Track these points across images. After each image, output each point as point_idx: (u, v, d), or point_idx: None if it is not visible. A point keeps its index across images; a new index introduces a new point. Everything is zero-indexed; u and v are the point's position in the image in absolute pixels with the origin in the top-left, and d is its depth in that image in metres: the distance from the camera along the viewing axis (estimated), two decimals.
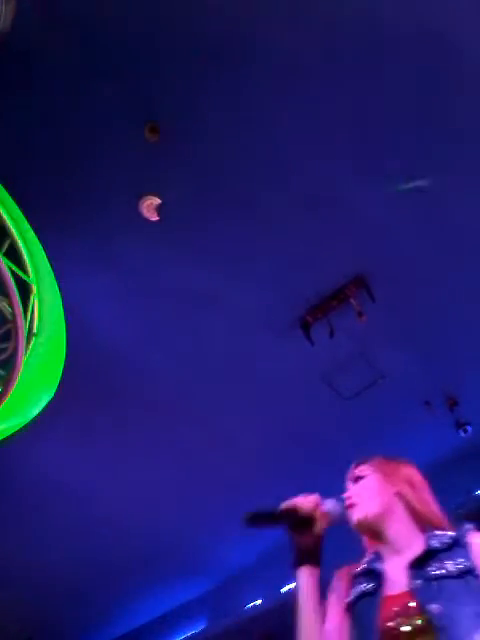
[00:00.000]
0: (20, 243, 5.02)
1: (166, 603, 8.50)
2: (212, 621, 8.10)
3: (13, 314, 4.90)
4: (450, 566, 1.29)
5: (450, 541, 1.36)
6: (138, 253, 4.95)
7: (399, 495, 1.49)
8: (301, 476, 6.50)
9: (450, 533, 1.39)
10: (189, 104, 4.13)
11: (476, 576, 1.27)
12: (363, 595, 1.37)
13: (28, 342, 5.23)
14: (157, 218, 4.64)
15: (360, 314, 5.18)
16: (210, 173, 4.48)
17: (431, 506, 1.50)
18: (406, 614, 1.25)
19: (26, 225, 4.89)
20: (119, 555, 7.33)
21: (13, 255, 4.98)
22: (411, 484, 1.52)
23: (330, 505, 1.48)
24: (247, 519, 1.40)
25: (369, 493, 1.49)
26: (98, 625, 8.77)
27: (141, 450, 6.32)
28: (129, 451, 6.33)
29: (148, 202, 4.57)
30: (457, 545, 1.35)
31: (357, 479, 1.55)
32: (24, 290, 5.04)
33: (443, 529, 1.42)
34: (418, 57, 3.88)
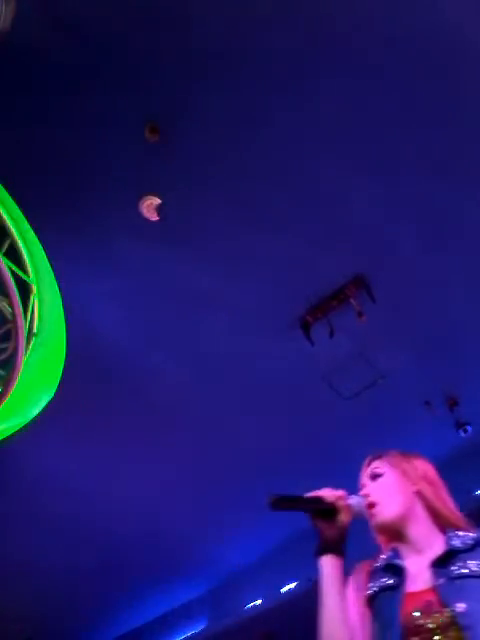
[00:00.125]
0: (20, 243, 5.02)
1: (166, 603, 8.51)
2: (212, 621, 8.10)
3: (13, 314, 4.90)
4: (473, 566, 1.31)
5: (472, 542, 1.38)
6: (138, 253, 4.95)
7: (419, 494, 1.50)
8: (301, 476, 6.50)
9: (472, 534, 1.41)
10: (189, 104, 4.13)
11: None
12: (384, 589, 1.39)
13: (28, 342, 5.23)
14: (157, 218, 4.64)
15: (360, 314, 5.18)
16: (210, 173, 4.48)
17: (449, 504, 1.51)
18: (430, 611, 1.27)
19: (26, 225, 4.89)
20: (119, 555, 7.34)
21: (13, 255, 4.99)
22: (430, 482, 1.53)
23: (355, 500, 1.49)
24: (272, 501, 1.39)
25: (389, 492, 1.50)
26: (98, 625, 8.77)
27: (141, 450, 6.32)
28: (129, 451, 6.33)
29: (148, 202, 4.57)
30: (479, 546, 1.37)
31: (375, 477, 1.55)
32: (24, 290, 5.05)
33: (461, 528, 1.44)
34: (419, 57, 3.88)
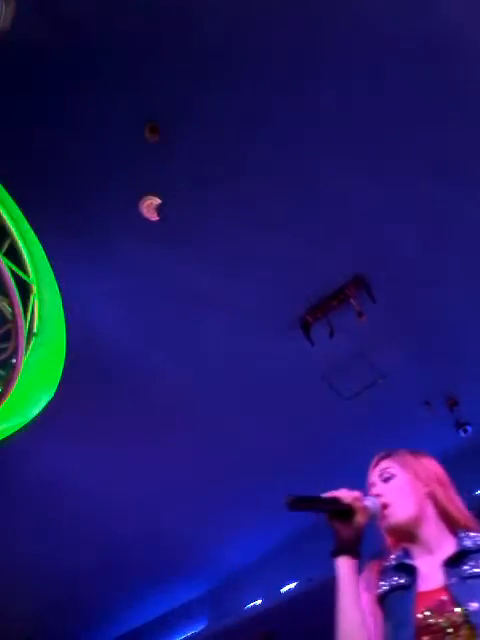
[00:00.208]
0: (20, 243, 5.03)
1: (166, 603, 8.51)
2: (212, 621, 8.10)
3: (13, 314, 4.91)
4: None
5: None
6: (138, 253, 4.95)
7: (430, 495, 1.51)
8: (301, 476, 6.50)
9: None
10: (189, 104, 4.13)
11: None
12: (395, 589, 1.40)
13: (28, 342, 5.23)
14: (157, 218, 4.64)
15: (360, 314, 5.18)
16: (210, 173, 4.48)
17: (459, 505, 1.52)
18: (442, 610, 1.29)
19: (26, 225, 4.90)
20: (119, 555, 7.33)
21: (13, 255, 4.99)
22: (440, 483, 1.54)
23: (370, 501, 1.49)
24: (289, 502, 1.39)
25: (402, 494, 1.50)
26: (98, 625, 8.77)
27: (141, 450, 6.32)
28: (129, 451, 6.33)
29: (148, 202, 4.58)
30: None
31: (387, 478, 1.55)
32: (24, 290, 5.05)
33: (471, 529, 1.45)
34: (420, 57, 3.88)
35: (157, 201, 4.58)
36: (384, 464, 1.58)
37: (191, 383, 5.89)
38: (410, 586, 1.38)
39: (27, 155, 4.39)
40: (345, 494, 1.45)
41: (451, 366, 5.94)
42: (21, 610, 7.81)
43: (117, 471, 6.49)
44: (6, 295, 4.88)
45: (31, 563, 7.22)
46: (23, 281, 5.05)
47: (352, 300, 5.17)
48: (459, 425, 6.21)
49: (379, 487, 1.53)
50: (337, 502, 1.44)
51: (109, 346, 5.55)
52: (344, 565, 1.41)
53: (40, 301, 5.27)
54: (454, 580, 1.33)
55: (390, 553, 1.50)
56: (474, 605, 1.26)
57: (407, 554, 1.46)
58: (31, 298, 5.16)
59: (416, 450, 1.63)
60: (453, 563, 1.37)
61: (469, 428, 6.20)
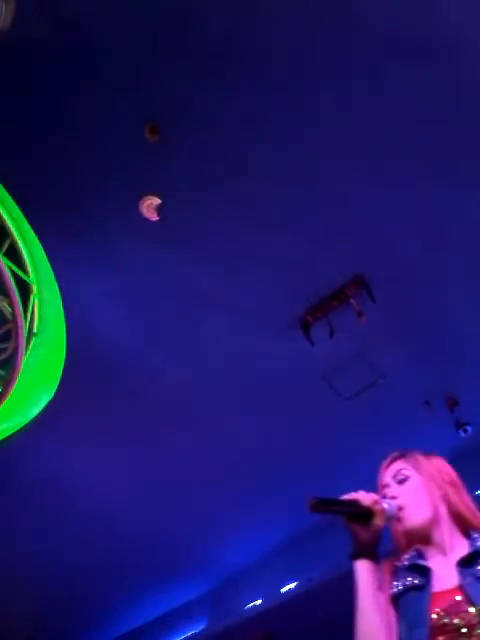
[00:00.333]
0: (20, 243, 5.02)
1: (166, 603, 8.51)
2: (212, 621, 8.10)
3: (13, 314, 4.91)
4: None
5: None
6: (138, 253, 4.95)
7: (444, 498, 1.52)
8: (301, 476, 6.50)
9: None
10: (189, 104, 4.13)
11: None
12: (409, 589, 1.41)
13: (28, 342, 5.23)
14: (157, 218, 4.64)
15: (360, 314, 5.18)
16: (210, 173, 4.48)
17: (471, 506, 1.54)
18: (457, 610, 1.31)
19: (26, 225, 4.90)
20: (119, 555, 7.34)
21: (13, 255, 4.99)
22: (453, 485, 1.56)
23: (387, 504, 1.49)
24: (312, 504, 1.39)
25: (418, 497, 1.51)
26: (98, 625, 8.77)
27: (141, 450, 6.32)
28: (129, 451, 6.33)
29: (148, 202, 4.57)
30: None
31: (401, 480, 1.55)
32: (24, 290, 5.05)
33: None
34: (420, 58, 3.88)
35: (157, 201, 4.58)
36: (397, 465, 1.58)
37: (191, 383, 5.89)
38: (424, 587, 1.39)
39: (27, 155, 4.39)
40: (364, 496, 1.46)
41: (451, 366, 5.94)
42: (21, 610, 7.82)
43: (117, 471, 6.49)
44: (6, 295, 4.88)
45: (31, 563, 7.22)
46: (23, 281, 5.05)
47: (352, 300, 5.17)
48: (459, 425, 6.21)
49: (394, 489, 1.54)
50: (357, 504, 1.45)
51: (109, 346, 5.55)
52: (363, 568, 1.41)
53: (40, 301, 5.27)
54: (468, 580, 1.35)
55: (401, 553, 1.51)
56: None
57: (420, 555, 1.48)
58: (31, 298, 5.16)
59: (427, 451, 1.64)
60: (467, 563, 1.38)
61: (469, 428, 6.20)
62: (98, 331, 5.46)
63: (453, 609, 1.31)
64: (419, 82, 4.00)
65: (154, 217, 4.63)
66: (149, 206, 4.59)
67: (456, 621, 1.29)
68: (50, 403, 5.70)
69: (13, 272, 4.89)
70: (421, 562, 1.45)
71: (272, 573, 7.62)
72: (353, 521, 1.45)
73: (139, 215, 4.61)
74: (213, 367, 5.79)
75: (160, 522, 7.04)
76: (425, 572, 1.42)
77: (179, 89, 4.06)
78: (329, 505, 1.45)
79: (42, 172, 4.50)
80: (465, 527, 1.49)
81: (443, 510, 1.50)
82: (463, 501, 1.53)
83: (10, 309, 4.96)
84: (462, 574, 1.37)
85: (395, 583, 1.44)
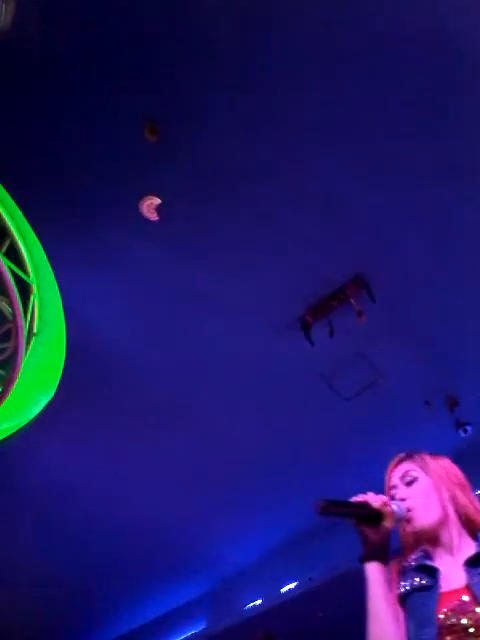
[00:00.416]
0: (20, 243, 5.02)
1: (166, 603, 8.50)
2: (212, 621, 8.10)
3: (13, 314, 4.90)
4: None
5: None
6: (138, 253, 4.95)
7: (452, 499, 1.53)
8: (301, 476, 6.51)
9: None
10: (189, 104, 4.13)
11: None
12: (417, 589, 1.42)
13: (28, 342, 5.23)
14: (157, 218, 4.63)
15: (360, 314, 5.18)
16: (210, 173, 4.48)
17: (478, 507, 1.55)
18: (465, 610, 1.32)
19: (26, 225, 4.89)
20: (120, 555, 7.34)
21: (13, 255, 4.98)
22: (461, 486, 1.56)
23: (396, 506, 1.49)
24: (322, 506, 1.39)
25: (427, 499, 1.52)
26: (99, 625, 8.77)
27: (141, 450, 6.32)
28: (129, 451, 6.33)
29: (148, 202, 4.57)
30: None
31: (410, 481, 1.56)
32: (24, 290, 5.04)
33: None
34: (420, 58, 3.88)
35: (157, 201, 4.58)
36: (405, 467, 1.58)
37: (191, 383, 5.89)
38: (432, 587, 1.40)
39: (27, 155, 4.39)
40: (373, 498, 1.46)
41: (451, 366, 5.94)
42: (22, 610, 7.82)
43: (117, 471, 6.49)
44: (6, 295, 4.88)
45: (31, 563, 7.22)
46: (23, 281, 5.04)
47: (352, 300, 5.17)
48: (459, 425, 6.21)
49: (402, 491, 1.54)
50: (367, 507, 1.44)
51: (109, 346, 5.55)
52: (375, 570, 1.42)
53: (40, 301, 5.27)
54: (476, 580, 1.36)
55: (408, 553, 1.51)
56: None
57: (427, 555, 1.48)
58: (31, 298, 5.16)
59: (434, 452, 1.64)
60: (474, 563, 1.40)
61: (469, 428, 6.20)
62: (98, 331, 5.45)
63: (460, 609, 1.32)
64: (419, 82, 4.00)
65: (154, 217, 4.63)
66: (149, 206, 4.59)
67: (464, 621, 1.30)
68: (50, 403, 5.70)
69: (13, 272, 4.89)
70: (428, 563, 1.45)
71: (272, 573, 7.61)
72: (363, 523, 1.45)
73: (139, 215, 4.61)
74: (213, 367, 5.79)
75: (160, 522, 7.04)
76: (433, 572, 1.43)
77: (179, 89, 4.06)
78: (339, 507, 1.44)
79: (42, 172, 4.50)
80: (472, 528, 1.49)
81: (451, 511, 1.51)
82: (471, 502, 1.54)
83: (10, 309, 4.96)
84: (469, 574, 1.38)
85: (402, 583, 1.45)
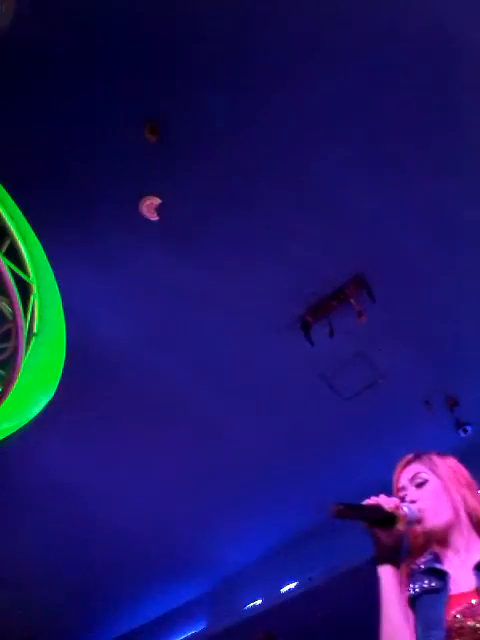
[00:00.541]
0: (20, 243, 5.02)
1: (166, 603, 8.50)
2: (212, 621, 8.10)
3: (13, 314, 4.91)
4: None
5: None
6: (138, 253, 4.95)
7: (463, 501, 1.52)
8: (301, 476, 6.51)
9: None
10: (189, 104, 4.13)
11: None
12: (426, 592, 1.42)
13: (28, 342, 5.23)
14: (157, 218, 4.63)
15: (360, 314, 5.18)
16: (210, 173, 4.48)
17: None
18: (473, 612, 1.32)
19: (26, 225, 4.89)
20: (119, 555, 7.33)
21: (13, 255, 4.99)
22: (469, 487, 1.56)
23: (408, 508, 1.49)
24: (336, 510, 1.39)
25: (438, 501, 1.51)
26: (99, 625, 8.77)
27: (141, 450, 6.32)
28: (129, 451, 6.33)
29: (148, 202, 4.57)
30: None
31: (420, 483, 1.55)
32: (24, 290, 5.05)
33: None
34: (421, 58, 3.88)
35: (157, 201, 4.58)
36: (414, 468, 1.58)
37: (191, 383, 5.89)
38: (442, 589, 1.40)
39: (27, 155, 4.39)
40: (386, 501, 1.46)
41: (451, 366, 5.94)
42: (22, 611, 7.82)
43: (117, 471, 6.49)
44: (6, 295, 4.88)
45: (31, 563, 7.21)
46: (23, 281, 5.05)
47: (352, 300, 5.17)
48: (459, 425, 6.20)
49: (412, 492, 1.54)
50: (380, 509, 1.44)
51: (109, 346, 5.55)
52: (388, 573, 1.42)
53: (40, 301, 5.27)
54: None
55: (417, 555, 1.51)
56: None
57: (437, 558, 1.48)
58: (31, 298, 5.16)
59: (441, 452, 1.64)
60: None
61: (469, 428, 6.20)
62: (98, 331, 5.45)
63: (469, 612, 1.32)
64: (419, 81, 4.00)
65: (154, 217, 4.63)
66: (149, 206, 4.59)
67: (472, 623, 1.30)
68: (50, 403, 5.71)
69: (13, 272, 4.89)
70: (438, 566, 1.45)
71: (272, 573, 7.61)
72: (376, 526, 1.44)
73: (139, 215, 4.61)
74: (213, 367, 5.79)
75: (160, 522, 7.04)
76: (442, 575, 1.42)
77: (179, 89, 4.06)
78: (353, 511, 1.44)
79: (42, 172, 4.50)
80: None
81: (462, 513, 1.50)
82: (479, 503, 1.54)
83: (10, 309, 4.96)
84: (479, 577, 1.38)
85: (411, 586, 1.45)
